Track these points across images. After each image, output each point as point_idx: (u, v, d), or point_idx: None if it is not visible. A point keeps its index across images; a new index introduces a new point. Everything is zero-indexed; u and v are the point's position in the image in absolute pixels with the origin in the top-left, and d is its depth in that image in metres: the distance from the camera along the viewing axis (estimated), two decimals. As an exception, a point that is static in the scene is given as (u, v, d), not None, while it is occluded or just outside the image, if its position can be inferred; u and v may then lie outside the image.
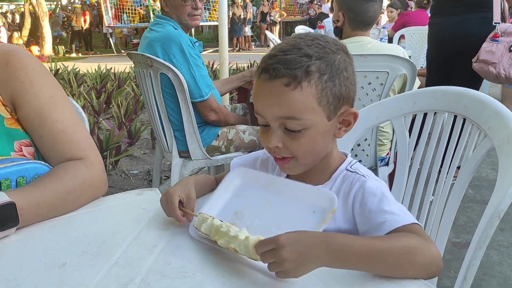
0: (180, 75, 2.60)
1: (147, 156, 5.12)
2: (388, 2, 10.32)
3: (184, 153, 2.86)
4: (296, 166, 1.09)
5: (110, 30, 20.61)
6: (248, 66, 10.32)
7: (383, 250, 0.89)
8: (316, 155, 1.09)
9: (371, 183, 1.06)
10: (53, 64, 9.86)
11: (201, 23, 14.93)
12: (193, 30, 10.88)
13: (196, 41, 2.79)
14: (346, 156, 1.16)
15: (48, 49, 18.05)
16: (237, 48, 19.04)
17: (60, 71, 9.22)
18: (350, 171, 1.11)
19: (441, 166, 1.42)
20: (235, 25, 18.91)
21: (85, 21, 20.61)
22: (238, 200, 1.11)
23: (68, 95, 5.13)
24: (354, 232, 1.07)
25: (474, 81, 3.52)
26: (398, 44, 6.33)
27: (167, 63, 2.59)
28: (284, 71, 1.00)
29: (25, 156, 1.27)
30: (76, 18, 20.67)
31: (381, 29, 7.56)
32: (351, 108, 1.09)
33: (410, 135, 1.53)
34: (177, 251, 0.99)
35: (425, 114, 1.48)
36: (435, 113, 1.45)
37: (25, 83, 1.27)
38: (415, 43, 6.24)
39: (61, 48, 19.88)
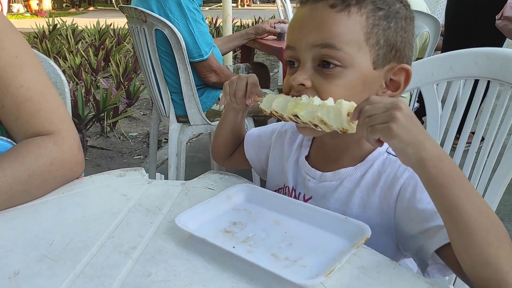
0: (177, 32, 2.36)
1: (147, 117, 4.92)
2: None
3: (182, 118, 2.65)
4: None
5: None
6: (253, 22, 9.96)
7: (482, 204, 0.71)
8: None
9: None
10: (50, 19, 9.50)
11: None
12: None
13: (195, -6, 2.52)
14: None
15: (47, 3, 17.56)
16: (241, 3, 18.44)
17: (58, 26, 8.91)
18: (394, 155, 0.90)
19: (481, 141, 1.19)
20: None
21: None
22: (239, 213, 0.91)
23: (65, 51, 4.81)
24: (385, 227, 0.87)
25: (496, 41, 3.29)
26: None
27: (163, 18, 2.35)
28: None
29: None
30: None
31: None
32: (403, 64, 0.88)
33: (442, 107, 1.29)
34: (160, 256, 0.77)
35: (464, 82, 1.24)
36: (475, 80, 1.21)
37: None
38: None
39: (61, 2, 19.37)
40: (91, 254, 0.77)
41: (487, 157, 1.17)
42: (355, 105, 0.77)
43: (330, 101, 0.80)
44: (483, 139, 1.21)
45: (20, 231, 0.86)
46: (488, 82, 1.18)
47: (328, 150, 0.98)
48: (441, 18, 4.42)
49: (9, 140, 1.04)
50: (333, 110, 0.77)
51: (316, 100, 0.81)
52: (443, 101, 1.29)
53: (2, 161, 0.95)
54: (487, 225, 0.70)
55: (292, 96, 0.88)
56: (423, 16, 2.18)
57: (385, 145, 0.92)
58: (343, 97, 0.81)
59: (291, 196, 1.02)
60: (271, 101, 0.88)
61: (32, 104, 1.05)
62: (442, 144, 1.30)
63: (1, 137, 1.03)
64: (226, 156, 1.24)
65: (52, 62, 1.45)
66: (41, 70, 1.13)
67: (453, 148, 1.26)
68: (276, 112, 0.88)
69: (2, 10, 9.57)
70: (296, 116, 0.83)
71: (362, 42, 0.84)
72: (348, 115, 0.76)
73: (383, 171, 0.91)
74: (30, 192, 0.97)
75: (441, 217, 0.73)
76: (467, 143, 1.24)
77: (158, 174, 3.31)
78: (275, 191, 1.04)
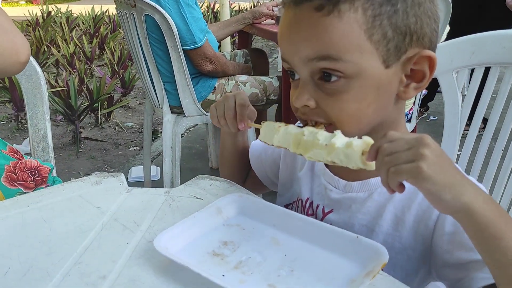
0: (168, 18, 2.22)
1: (143, 107, 4.76)
2: None
3: (177, 109, 2.52)
4: None
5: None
6: (251, 6, 9.77)
7: None
8: (367, 124, 0.74)
9: None
10: (44, 6, 9.32)
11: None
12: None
13: (188, -24, 2.37)
14: None
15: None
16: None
17: (52, 13, 8.73)
18: None
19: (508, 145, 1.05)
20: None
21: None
22: (231, 230, 0.77)
23: (58, 40, 4.67)
24: (419, 250, 0.74)
25: (507, 21, 3.14)
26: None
27: (153, 3, 2.20)
28: None
29: None
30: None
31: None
32: (424, 50, 0.72)
33: (463, 99, 1.15)
34: (134, 286, 0.64)
35: (487, 69, 1.09)
36: (501, 67, 1.07)
37: None
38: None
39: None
40: (53, 285, 0.64)
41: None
42: (371, 142, 0.63)
43: (339, 138, 0.66)
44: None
45: None
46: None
47: None
48: None
49: None
50: (343, 152, 0.64)
51: (321, 136, 0.68)
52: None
53: None
54: None
55: (300, 120, 0.76)
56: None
57: None
58: (356, 112, 0.70)
59: (306, 210, 0.88)
60: (271, 134, 0.75)
61: None
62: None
63: None
64: (240, 182, 1.06)
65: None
66: None
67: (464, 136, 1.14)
68: (279, 146, 0.75)
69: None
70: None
71: (365, 42, 0.68)
72: (363, 153, 0.63)
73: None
74: None
75: (488, 266, 0.60)
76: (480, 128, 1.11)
77: (153, 167, 3.19)
78: (285, 206, 0.90)
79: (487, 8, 3.32)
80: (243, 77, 2.58)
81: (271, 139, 0.76)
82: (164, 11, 2.21)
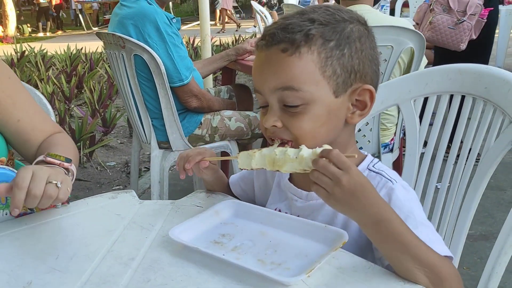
0: (157, 57, 2.49)
1: (125, 146, 5.02)
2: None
3: (164, 144, 2.77)
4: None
5: (80, 6, 20.21)
6: (233, 42, 10.16)
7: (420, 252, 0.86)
8: (320, 140, 1.00)
9: (399, 192, 0.99)
10: (18, 45, 9.63)
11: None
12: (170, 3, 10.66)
13: (174, 17, 2.67)
14: (366, 155, 1.09)
15: (12, 29, 17.67)
16: (220, 21, 18.67)
17: (26, 53, 9.03)
18: (374, 171, 1.04)
19: (457, 157, 1.34)
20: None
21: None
22: (227, 226, 1.05)
23: (35, 80, 4.97)
24: (364, 241, 0.99)
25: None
26: (400, 14, 6.18)
27: (142, 44, 2.48)
28: (282, 36, 0.96)
29: None
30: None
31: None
32: (365, 85, 1.01)
33: (420, 122, 1.44)
34: (157, 265, 0.91)
35: (439, 97, 1.39)
36: (450, 95, 1.36)
37: None
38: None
39: (26, 27, 19.48)
40: (95, 265, 0.91)
41: (464, 166, 1.32)
42: (329, 147, 0.89)
43: (305, 150, 0.91)
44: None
45: (26, 248, 1.00)
46: (463, 96, 1.34)
47: None
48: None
49: (11, 168, 1.19)
50: (310, 160, 0.89)
51: (291, 152, 0.93)
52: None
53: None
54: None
55: (269, 138, 1.04)
56: (406, 32, 2.33)
57: (366, 161, 1.07)
58: (312, 129, 0.98)
59: None
60: (249, 160, 1.00)
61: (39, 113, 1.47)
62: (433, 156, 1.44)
63: (3, 167, 1.18)
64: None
65: (37, 92, 1.62)
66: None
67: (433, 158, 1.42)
68: (258, 168, 1.00)
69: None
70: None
71: (319, 77, 0.96)
72: (314, 158, 0.89)
73: None
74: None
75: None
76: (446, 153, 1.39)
77: (139, 204, 3.40)
78: None
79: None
80: (228, 112, 2.84)
81: (249, 164, 1.00)
82: (152, 51, 2.47)
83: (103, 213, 1.14)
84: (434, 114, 1.38)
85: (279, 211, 1.15)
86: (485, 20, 3.65)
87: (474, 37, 3.64)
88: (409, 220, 0.92)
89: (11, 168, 1.19)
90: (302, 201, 1.10)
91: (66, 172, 1.19)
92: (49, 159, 1.18)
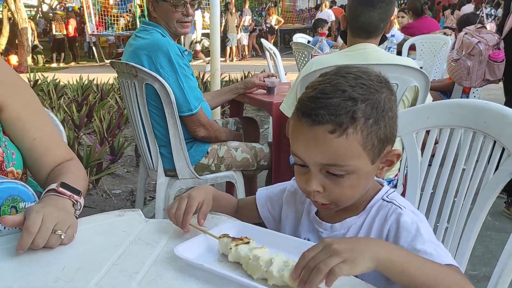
0: (167, 86, 2.54)
1: (131, 175, 5.05)
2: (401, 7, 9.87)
3: (171, 172, 2.80)
4: (334, 209, 1.11)
5: (94, 39, 20.56)
6: (242, 77, 10.29)
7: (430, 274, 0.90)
8: (356, 198, 1.10)
9: (407, 216, 1.06)
10: (31, 74, 9.79)
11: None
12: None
13: (185, 50, 2.74)
14: (382, 185, 1.16)
15: (26, 58, 17.97)
16: (230, 58, 18.97)
17: (40, 82, 9.17)
18: (386, 201, 1.11)
19: (457, 190, 1.36)
20: (227, 33, 18.81)
21: (67, 28, 20.47)
22: None
23: (47, 107, 5.05)
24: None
25: None
26: (408, 56, 6.22)
27: (153, 73, 2.54)
28: (328, 118, 0.99)
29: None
30: (59, 25, 20.58)
31: (389, 37, 7.31)
32: (395, 149, 1.09)
33: (422, 154, 1.47)
34: (160, 279, 0.94)
35: (440, 130, 1.42)
36: (451, 129, 1.40)
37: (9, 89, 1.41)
38: (427, 53, 6.02)
39: (41, 58, 19.79)
40: (100, 276, 0.94)
41: (464, 198, 1.34)
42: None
43: (275, 266, 0.92)
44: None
45: (32, 259, 1.03)
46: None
47: None
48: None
49: (22, 183, 1.23)
50: (279, 279, 0.90)
51: (262, 262, 0.93)
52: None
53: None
54: None
55: (309, 198, 1.11)
56: (411, 71, 2.36)
57: (382, 192, 1.13)
58: (351, 195, 1.06)
59: None
60: (226, 250, 1.02)
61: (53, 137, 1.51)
62: (421, 192, 1.46)
63: (16, 181, 1.23)
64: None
65: (52, 114, 1.69)
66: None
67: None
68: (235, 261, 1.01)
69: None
70: None
71: (361, 152, 1.02)
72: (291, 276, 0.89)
73: (376, 215, 1.10)
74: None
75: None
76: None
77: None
78: None
79: None
80: (235, 143, 2.88)
81: (227, 253, 1.02)
82: (163, 80, 2.53)
83: (110, 229, 1.17)
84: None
85: (308, 240, 1.19)
86: (500, 63, 3.64)
87: (490, 78, 3.65)
88: (418, 238, 0.99)
89: (22, 183, 1.22)
90: (327, 233, 1.16)
91: (75, 202, 1.23)
92: (60, 189, 1.22)
